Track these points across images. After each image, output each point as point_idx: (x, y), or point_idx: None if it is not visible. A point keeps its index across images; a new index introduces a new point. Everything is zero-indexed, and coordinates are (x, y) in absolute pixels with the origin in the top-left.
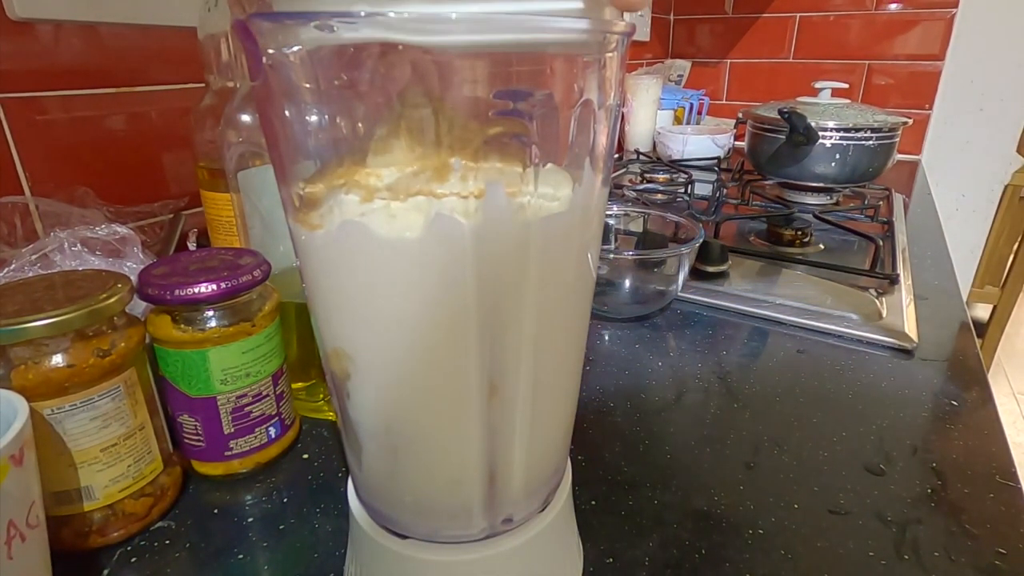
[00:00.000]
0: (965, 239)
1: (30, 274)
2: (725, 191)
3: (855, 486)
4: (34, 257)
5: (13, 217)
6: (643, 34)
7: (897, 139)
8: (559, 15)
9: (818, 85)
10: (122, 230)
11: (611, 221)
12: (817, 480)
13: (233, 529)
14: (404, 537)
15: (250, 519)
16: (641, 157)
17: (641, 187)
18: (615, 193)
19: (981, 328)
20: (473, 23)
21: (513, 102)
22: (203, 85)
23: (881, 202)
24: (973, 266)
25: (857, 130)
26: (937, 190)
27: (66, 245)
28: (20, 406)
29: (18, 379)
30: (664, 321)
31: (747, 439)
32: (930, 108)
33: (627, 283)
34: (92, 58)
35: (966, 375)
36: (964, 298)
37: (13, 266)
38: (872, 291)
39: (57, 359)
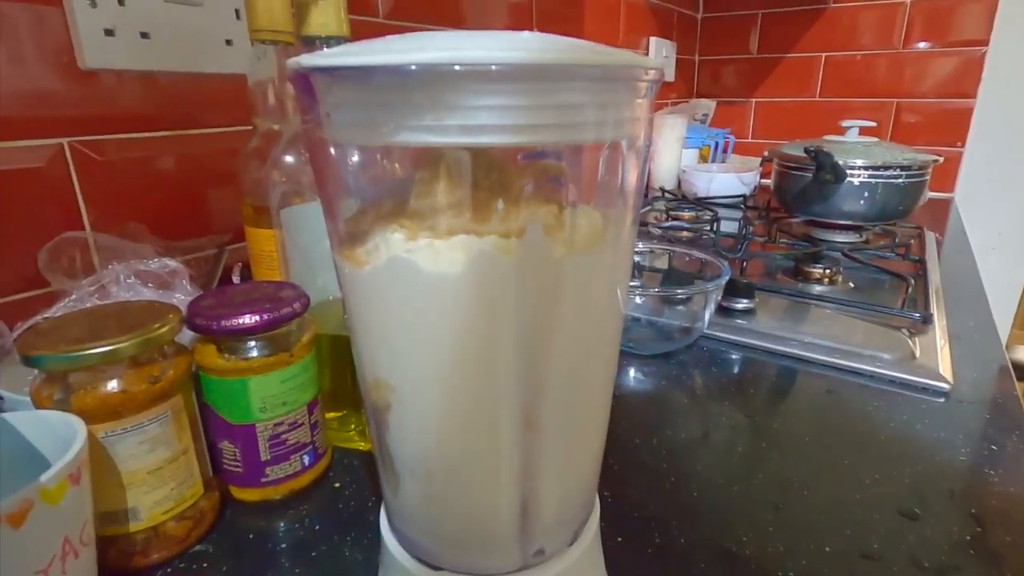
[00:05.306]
0: (1003, 278)
1: (88, 304)
2: (751, 228)
3: (889, 530)
4: (92, 288)
5: (73, 251)
6: (668, 74)
7: (927, 177)
8: None
9: (845, 124)
10: (172, 263)
11: (636, 258)
12: (849, 523)
13: (267, 555)
14: (437, 569)
15: (283, 545)
16: (666, 195)
17: (666, 224)
18: (640, 231)
19: (1022, 371)
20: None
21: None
22: (250, 128)
23: (912, 240)
24: (1013, 307)
25: (886, 168)
26: (972, 228)
27: (121, 277)
28: (79, 428)
29: (77, 402)
30: (690, 358)
31: (775, 479)
32: (962, 146)
33: (653, 320)
34: (149, 104)
35: (1005, 419)
36: (1004, 340)
37: (74, 296)
38: (904, 331)
39: (112, 384)
